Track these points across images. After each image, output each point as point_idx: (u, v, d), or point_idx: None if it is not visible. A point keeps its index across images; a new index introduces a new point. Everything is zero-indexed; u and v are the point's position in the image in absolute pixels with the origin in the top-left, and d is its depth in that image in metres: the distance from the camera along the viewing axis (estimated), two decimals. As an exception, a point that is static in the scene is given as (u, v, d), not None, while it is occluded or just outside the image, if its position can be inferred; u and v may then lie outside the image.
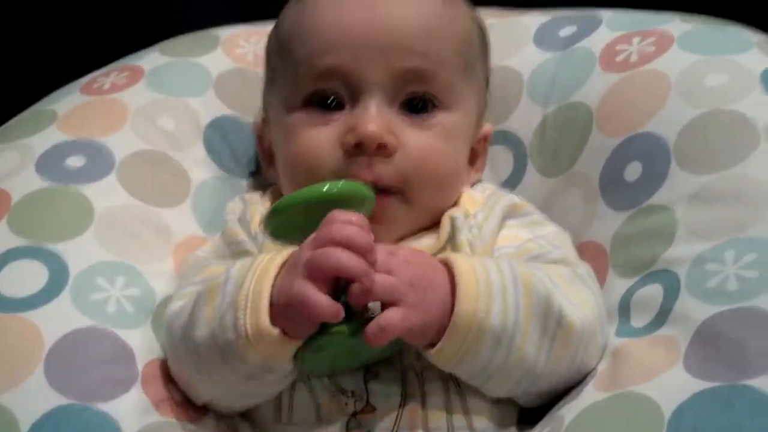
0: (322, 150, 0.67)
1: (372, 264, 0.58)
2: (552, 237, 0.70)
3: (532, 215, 0.72)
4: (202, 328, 0.60)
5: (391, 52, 0.67)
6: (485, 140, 0.76)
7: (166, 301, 0.68)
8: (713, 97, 0.70)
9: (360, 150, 0.66)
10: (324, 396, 0.63)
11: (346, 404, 0.62)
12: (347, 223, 0.58)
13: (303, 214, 0.61)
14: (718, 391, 0.56)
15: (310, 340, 0.59)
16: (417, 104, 0.68)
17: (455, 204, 0.71)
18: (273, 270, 0.59)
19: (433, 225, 0.70)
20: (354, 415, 0.62)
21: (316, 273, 0.57)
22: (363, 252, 0.57)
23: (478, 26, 0.76)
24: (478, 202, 0.71)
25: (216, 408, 0.66)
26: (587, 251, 0.72)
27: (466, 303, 0.59)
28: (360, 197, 0.62)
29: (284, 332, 0.58)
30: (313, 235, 0.59)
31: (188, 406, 0.65)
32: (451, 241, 0.67)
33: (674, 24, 0.78)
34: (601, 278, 0.69)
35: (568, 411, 0.61)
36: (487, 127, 0.77)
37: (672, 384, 0.58)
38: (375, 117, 0.66)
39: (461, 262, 0.60)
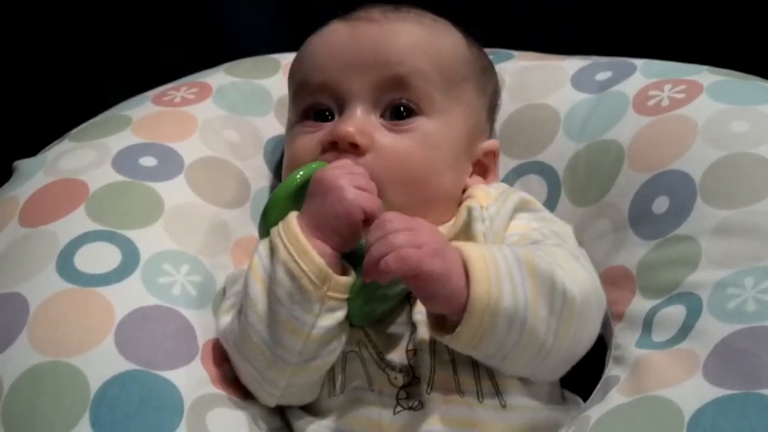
0: (305, 151, 0.74)
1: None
2: (557, 228, 0.75)
3: (541, 212, 0.77)
4: (260, 299, 0.66)
5: (370, 65, 0.74)
6: (493, 155, 0.81)
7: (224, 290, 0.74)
8: (737, 141, 0.74)
9: (334, 147, 0.72)
10: (374, 370, 0.67)
11: (396, 378, 0.67)
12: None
13: (289, 208, 0.68)
14: (734, 398, 0.60)
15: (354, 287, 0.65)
16: (400, 111, 0.75)
17: (468, 197, 0.75)
18: (294, 223, 0.66)
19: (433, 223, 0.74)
20: (403, 387, 0.67)
21: (358, 182, 0.66)
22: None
23: (471, 52, 0.81)
24: (491, 197, 0.75)
25: (284, 403, 0.70)
26: (615, 275, 0.76)
27: (479, 286, 0.62)
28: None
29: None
30: (330, 170, 0.67)
31: (241, 384, 0.69)
32: (466, 231, 0.72)
33: (703, 75, 0.83)
34: (628, 299, 0.73)
35: (594, 413, 0.65)
36: (492, 143, 0.81)
37: (692, 390, 0.62)
38: (353, 121, 0.73)
39: (470, 248, 0.65)
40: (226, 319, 0.69)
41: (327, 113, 0.76)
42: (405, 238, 0.62)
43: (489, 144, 0.81)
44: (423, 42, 0.77)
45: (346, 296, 0.66)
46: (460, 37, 0.81)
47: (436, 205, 0.75)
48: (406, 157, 0.73)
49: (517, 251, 0.66)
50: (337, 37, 0.77)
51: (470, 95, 0.79)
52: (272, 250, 0.66)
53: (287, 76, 0.91)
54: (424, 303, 0.65)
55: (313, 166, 0.70)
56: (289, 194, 0.68)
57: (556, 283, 0.65)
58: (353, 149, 0.72)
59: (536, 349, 0.66)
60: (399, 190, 0.72)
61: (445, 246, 0.64)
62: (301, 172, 0.69)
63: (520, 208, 0.75)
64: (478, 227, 0.71)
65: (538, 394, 0.70)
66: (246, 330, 0.66)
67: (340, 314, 0.66)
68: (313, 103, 0.76)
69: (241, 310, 0.67)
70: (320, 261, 0.64)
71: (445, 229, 0.73)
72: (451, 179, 0.77)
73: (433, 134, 0.75)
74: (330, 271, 0.65)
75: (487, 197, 0.75)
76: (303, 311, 0.65)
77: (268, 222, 0.69)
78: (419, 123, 0.75)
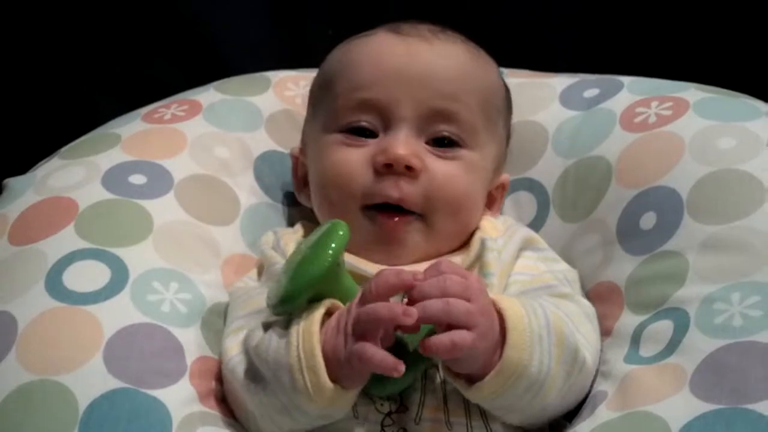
0: (353, 168, 0.73)
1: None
2: (565, 273, 0.76)
3: (546, 251, 0.78)
4: (258, 391, 0.64)
5: (422, 92, 0.74)
6: (503, 188, 0.82)
7: (215, 307, 0.74)
8: (724, 157, 0.75)
9: (389, 170, 0.72)
10: (360, 398, 0.66)
11: (382, 405, 0.67)
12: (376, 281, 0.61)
13: (314, 290, 0.63)
14: (721, 412, 0.60)
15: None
16: (443, 141, 0.75)
17: (477, 229, 0.76)
18: (316, 328, 0.62)
19: (450, 252, 0.75)
20: (389, 414, 0.67)
21: (365, 331, 0.60)
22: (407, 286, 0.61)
23: (504, 86, 0.83)
24: (499, 230, 0.77)
25: None
26: (603, 290, 0.76)
27: (515, 350, 0.62)
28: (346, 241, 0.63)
29: (341, 385, 0.61)
30: (357, 297, 0.62)
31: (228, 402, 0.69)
32: (479, 261, 0.73)
33: (690, 92, 0.84)
34: (616, 314, 0.74)
35: (582, 429, 0.65)
36: (504, 177, 0.83)
37: (679, 405, 0.62)
38: (404, 142, 0.73)
39: (511, 306, 0.64)
40: (233, 343, 0.68)
41: (367, 131, 0.75)
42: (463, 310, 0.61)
43: (503, 178, 0.83)
44: (472, 72, 0.77)
45: (347, 406, 0.64)
46: (497, 69, 0.82)
47: (466, 234, 0.76)
48: (455, 184, 0.74)
49: (548, 313, 0.65)
50: (389, 48, 0.76)
51: (500, 130, 0.81)
52: (287, 345, 0.62)
53: (277, 93, 0.93)
54: (450, 364, 0.63)
55: (339, 233, 0.62)
56: (316, 282, 0.62)
57: (579, 354, 0.66)
58: (408, 172, 0.72)
59: (541, 407, 0.66)
60: (447, 216, 0.74)
61: (491, 310, 0.63)
62: (333, 245, 0.61)
63: (526, 246, 0.77)
64: (491, 256, 0.72)
65: (528, 430, 0.70)
66: (246, 394, 0.65)
67: (341, 415, 0.65)
68: (357, 120, 0.75)
69: (243, 371, 0.66)
70: (326, 382, 0.61)
71: (459, 258, 0.74)
72: (480, 210, 0.78)
73: (474, 164, 0.76)
74: (335, 392, 0.61)
75: (495, 230, 0.76)
76: (301, 414, 0.63)
77: (291, 305, 0.63)
78: (462, 153, 0.75)
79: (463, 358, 0.62)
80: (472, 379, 0.64)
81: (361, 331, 0.61)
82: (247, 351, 0.66)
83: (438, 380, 0.68)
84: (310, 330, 0.62)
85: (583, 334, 0.68)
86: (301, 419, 0.64)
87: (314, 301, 0.64)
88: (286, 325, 0.63)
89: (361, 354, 0.60)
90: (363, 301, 0.62)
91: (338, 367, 0.61)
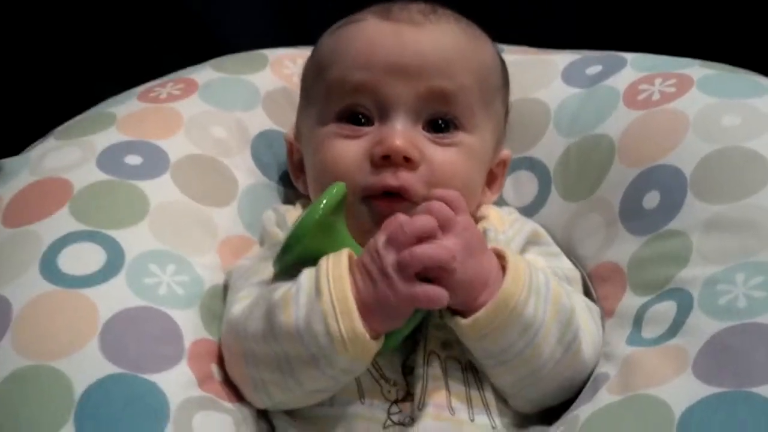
0: (351, 160, 0.72)
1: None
2: (566, 272, 0.76)
3: (551, 246, 0.78)
4: (286, 335, 0.63)
5: (418, 72, 0.73)
6: (504, 164, 0.81)
7: (213, 289, 0.73)
8: (728, 135, 0.74)
9: (387, 162, 0.71)
10: (367, 380, 0.67)
11: (389, 391, 0.67)
12: (403, 223, 0.63)
13: (311, 240, 0.65)
14: (724, 395, 0.60)
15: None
16: (440, 124, 0.74)
17: (482, 219, 0.76)
18: (345, 273, 0.63)
19: None
20: (395, 402, 0.67)
21: (409, 272, 0.62)
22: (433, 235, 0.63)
23: (501, 63, 0.81)
24: (506, 222, 0.76)
25: (273, 408, 0.69)
26: (606, 271, 0.76)
27: (512, 284, 0.64)
28: (341, 197, 0.67)
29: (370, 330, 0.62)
30: (380, 241, 0.63)
31: (228, 387, 0.68)
32: None
33: (694, 68, 0.83)
34: (619, 295, 0.73)
35: (583, 412, 0.65)
36: (506, 153, 0.81)
37: (682, 388, 0.61)
38: (401, 133, 0.71)
39: (512, 253, 0.67)
40: (241, 306, 0.68)
41: (362, 117, 0.74)
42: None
43: (504, 154, 0.81)
44: (468, 54, 0.76)
45: (370, 359, 0.64)
46: (493, 47, 0.81)
47: None
48: (455, 171, 0.73)
49: (549, 278, 0.68)
50: (380, 36, 0.74)
51: (498, 107, 0.79)
52: (317, 292, 0.63)
53: (274, 71, 0.91)
54: (457, 290, 0.64)
55: (333, 191, 0.66)
56: (312, 230, 0.65)
57: (572, 319, 0.67)
58: (406, 163, 0.71)
59: (534, 368, 0.66)
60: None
61: (480, 245, 0.66)
62: (324, 202, 0.65)
63: (532, 240, 0.76)
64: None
65: (529, 416, 0.69)
66: (265, 346, 0.65)
67: (363, 368, 0.65)
68: (352, 105, 0.73)
69: (260, 325, 0.65)
70: (361, 329, 0.62)
71: None
72: (479, 191, 0.78)
73: (472, 149, 0.75)
74: (367, 338, 0.62)
75: (501, 222, 0.76)
76: (328, 365, 0.63)
77: (289, 256, 0.66)
78: (460, 137, 0.74)
79: (457, 284, 0.63)
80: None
81: (410, 271, 0.62)
82: (267, 305, 0.65)
83: (440, 366, 0.68)
84: (341, 276, 0.63)
85: (583, 319, 0.68)
86: (327, 371, 0.63)
87: (318, 257, 0.65)
88: (314, 275, 0.64)
89: (415, 253, 0.61)
90: (393, 244, 0.62)
91: (369, 312, 0.62)
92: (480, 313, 0.64)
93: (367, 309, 0.62)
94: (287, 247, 0.66)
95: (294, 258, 0.66)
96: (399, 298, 0.62)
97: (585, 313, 0.70)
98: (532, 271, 0.67)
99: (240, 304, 0.68)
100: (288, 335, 0.63)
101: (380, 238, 0.63)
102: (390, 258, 0.62)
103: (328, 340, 0.62)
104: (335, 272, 0.63)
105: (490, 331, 0.64)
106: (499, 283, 0.65)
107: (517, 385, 0.68)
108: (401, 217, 0.64)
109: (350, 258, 0.65)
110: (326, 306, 0.62)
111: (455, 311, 0.66)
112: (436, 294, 0.62)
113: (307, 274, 0.65)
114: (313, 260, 0.65)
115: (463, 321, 0.65)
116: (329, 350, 0.62)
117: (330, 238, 0.66)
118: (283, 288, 0.65)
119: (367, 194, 0.72)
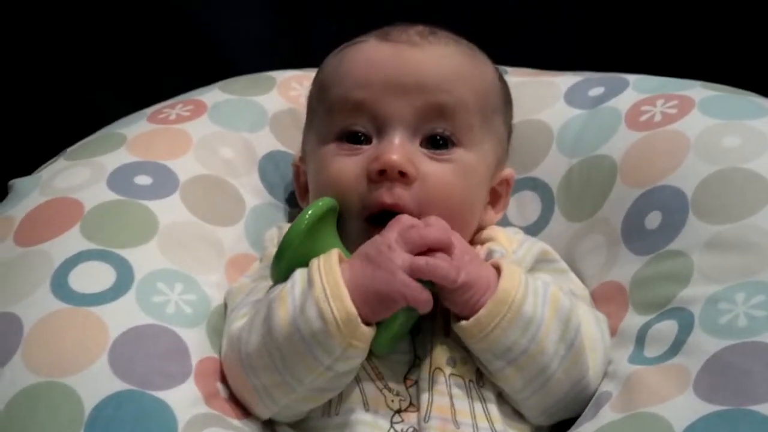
0: (349, 177, 0.73)
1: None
2: (575, 289, 0.76)
3: (560, 262, 0.78)
4: (282, 328, 0.65)
5: (416, 88, 0.74)
6: (507, 184, 0.82)
7: (220, 308, 0.74)
8: (729, 156, 0.75)
9: (383, 177, 0.72)
10: (371, 390, 0.68)
11: (393, 401, 0.68)
12: (416, 226, 0.67)
13: (300, 247, 0.68)
14: (725, 413, 0.60)
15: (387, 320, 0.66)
16: (438, 140, 0.75)
17: (489, 240, 0.77)
18: (336, 265, 0.66)
19: None
20: (398, 411, 0.68)
21: (417, 275, 0.65)
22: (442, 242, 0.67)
23: (501, 83, 0.82)
24: (514, 242, 0.77)
25: (280, 416, 0.70)
26: (608, 290, 0.76)
27: (509, 282, 0.67)
28: (333, 207, 0.71)
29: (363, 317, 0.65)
30: (391, 236, 0.67)
31: (235, 403, 0.69)
32: None
33: (696, 90, 0.83)
34: (621, 314, 0.74)
35: (586, 429, 0.66)
36: (509, 172, 0.82)
37: (683, 406, 0.62)
38: (397, 148, 0.73)
39: (505, 261, 0.69)
40: (241, 322, 0.69)
41: (361, 136, 0.75)
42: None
43: (507, 173, 0.82)
44: (466, 71, 0.77)
45: (367, 346, 0.66)
46: (493, 67, 0.82)
47: (467, 236, 0.76)
48: (449, 188, 0.74)
49: (549, 283, 0.70)
50: (380, 56, 0.76)
51: (498, 126, 0.80)
52: (309, 283, 0.66)
53: (281, 93, 0.93)
54: (448, 297, 0.67)
55: (320, 203, 0.69)
56: (300, 237, 0.68)
57: (572, 318, 0.68)
58: (401, 178, 0.72)
59: (540, 365, 0.67)
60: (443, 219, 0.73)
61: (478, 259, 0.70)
62: (310, 212, 0.69)
63: (541, 258, 0.77)
64: None
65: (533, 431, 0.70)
66: (261, 349, 0.66)
67: (358, 360, 0.66)
68: (352, 124, 0.75)
69: (258, 328, 0.67)
70: (353, 310, 0.64)
71: None
72: (479, 209, 0.78)
73: (470, 166, 0.76)
74: (359, 321, 0.64)
75: (509, 242, 0.77)
76: (323, 352, 0.65)
77: (282, 263, 0.69)
78: (458, 154, 0.75)
79: (459, 290, 0.66)
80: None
81: (418, 275, 0.65)
82: (267, 306, 0.67)
83: (444, 382, 0.68)
84: (331, 267, 0.66)
85: (585, 321, 0.69)
86: (324, 359, 0.64)
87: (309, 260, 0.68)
88: (306, 270, 0.67)
89: (430, 264, 0.65)
90: (407, 242, 0.66)
91: (360, 297, 0.64)
92: (481, 312, 0.66)
93: (359, 294, 0.64)
94: (279, 254, 0.68)
95: (286, 264, 0.68)
96: (393, 288, 0.64)
97: (588, 317, 0.71)
98: (528, 276, 0.69)
99: (240, 321, 0.70)
100: (285, 327, 0.65)
101: (391, 234, 0.66)
102: (401, 254, 0.65)
103: (321, 323, 0.64)
104: (326, 266, 0.66)
105: (493, 330, 0.66)
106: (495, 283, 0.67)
107: (528, 388, 0.68)
108: (409, 219, 0.68)
109: (340, 256, 0.67)
110: (318, 292, 0.65)
111: (460, 318, 0.67)
112: (425, 299, 0.65)
113: (300, 271, 0.67)
114: (305, 266, 0.68)
115: (466, 322, 0.67)
116: (323, 335, 0.64)
117: (320, 243, 0.69)
118: (280, 287, 0.68)
119: (367, 215, 0.73)
